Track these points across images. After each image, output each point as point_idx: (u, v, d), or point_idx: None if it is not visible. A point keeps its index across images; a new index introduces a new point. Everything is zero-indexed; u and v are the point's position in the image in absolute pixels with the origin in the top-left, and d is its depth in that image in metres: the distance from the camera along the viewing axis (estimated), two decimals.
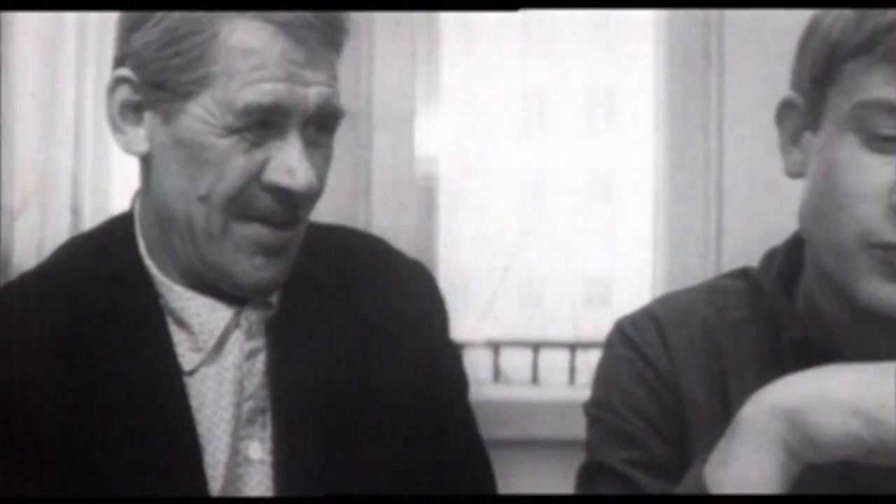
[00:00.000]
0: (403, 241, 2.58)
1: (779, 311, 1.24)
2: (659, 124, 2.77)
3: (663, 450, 1.23)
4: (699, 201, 2.70)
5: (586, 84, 3.11)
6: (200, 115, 1.23)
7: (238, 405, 1.29)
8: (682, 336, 1.27)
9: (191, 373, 1.29)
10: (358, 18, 2.72)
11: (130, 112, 1.28)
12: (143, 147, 1.28)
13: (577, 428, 1.31)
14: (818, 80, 1.18)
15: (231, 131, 1.23)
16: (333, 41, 1.27)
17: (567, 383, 3.04)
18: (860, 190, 1.14)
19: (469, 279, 2.99)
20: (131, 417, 1.26)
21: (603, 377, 1.30)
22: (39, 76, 2.66)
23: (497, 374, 3.06)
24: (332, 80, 1.27)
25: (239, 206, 1.25)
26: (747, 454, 1.06)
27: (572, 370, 3.05)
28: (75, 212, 2.67)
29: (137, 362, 1.27)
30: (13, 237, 2.58)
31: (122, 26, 1.28)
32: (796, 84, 1.22)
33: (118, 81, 1.28)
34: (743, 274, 1.31)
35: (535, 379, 3.07)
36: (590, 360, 3.00)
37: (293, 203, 1.26)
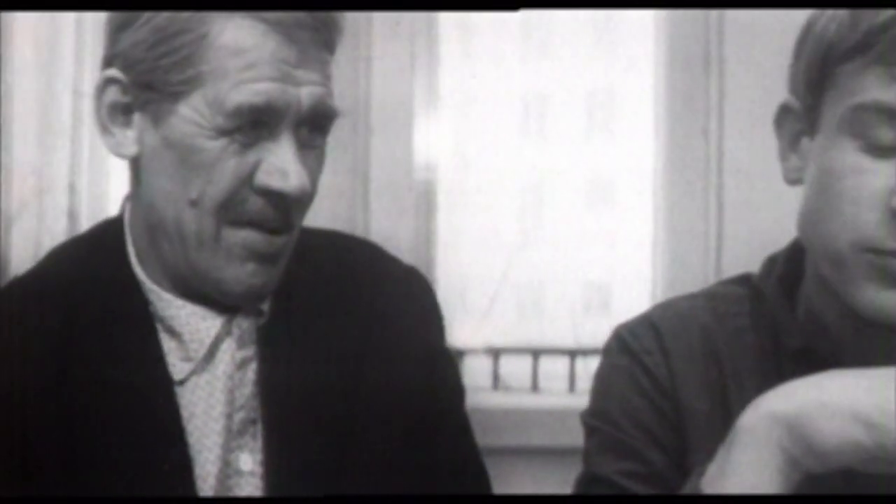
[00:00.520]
0: (402, 245, 2.58)
1: (779, 319, 1.23)
2: (659, 128, 2.77)
3: (661, 460, 1.22)
4: (699, 206, 2.69)
5: (586, 87, 3.10)
6: (190, 116, 1.21)
7: (229, 415, 1.27)
8: (681, 344, 1.25)
9: (181, 382, 1.27)
10: (356, 20, 2.71)
11: (119, 114, 1.26)
12: (133, 150, 1.26)
13: (577, 436, 1.30)
14: (814, 84, 1.17)
15: (222, 133, 1.21)
16: (326, 40, 1.25)
17: (567, 390, 3.02)
18: (857, 195, 1.12)
19: (468, 284, 2.98)
20: (122, 427, 1.25)
21: (600, 386, 1.28)
22: (36, 80, 2.65)
23: (496, 380, 3.05)
24: (326, 79, 1.25)
25: (231, 210, 1.23)
26: (746, 463, 1.05)
27: (572, 377, 3.03)
28: (72, 216, 2.67)
29: (128, 371, 1.26)
30: (10, 241, 2.58)
31: (110, 26, 1.26)
32: (793, 89, 1.21)
33: (107, 82, 1.26)
34: (743, 280, 1.29)
35: (534, 386, 3.06)
36: (589, 367, 2.98)
37: (286, 206, 1.24)
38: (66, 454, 1.24)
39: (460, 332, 2.92)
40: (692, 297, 1.31)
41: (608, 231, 3.11)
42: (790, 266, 1.26)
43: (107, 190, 2.68)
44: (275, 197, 1.23)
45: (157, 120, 1.24)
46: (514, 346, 3.08)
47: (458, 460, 1.37)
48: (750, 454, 1.04)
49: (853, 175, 1.13)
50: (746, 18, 2.62)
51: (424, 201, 2.78)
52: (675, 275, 2.70)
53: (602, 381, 1.28)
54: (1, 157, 2.53)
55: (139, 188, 1.28)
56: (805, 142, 1.19)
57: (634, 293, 2.92)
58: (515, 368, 3.07)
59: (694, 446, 1.21)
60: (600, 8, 2.86)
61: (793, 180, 1.21)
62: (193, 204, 1.23)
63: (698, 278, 2.60)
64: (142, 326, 1.27)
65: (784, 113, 1.21)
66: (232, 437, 1.27)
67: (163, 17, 1.22)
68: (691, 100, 2.70)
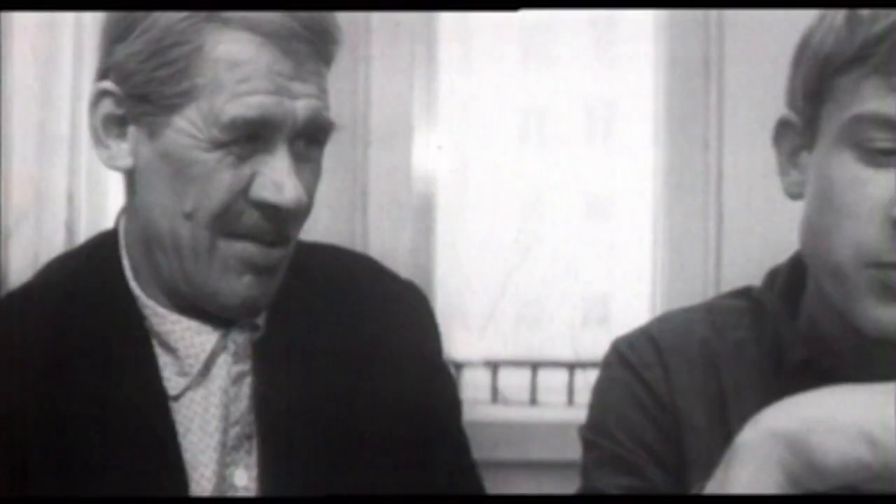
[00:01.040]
0: (400, 258, 2.57)
1: (781, 331, 1.22)
2: (658, 139, 2.76)
3: (660, 476, 1.21)
4: (699, 218, 2.68)
5: (585, 98, 3.10)
6: (186, 128, 1.21)
7: (224, 431, 1.26)
8: (681, 357, 1.24)
9: (177, 397, 1.26)
10: (355, 31, 2.71)
11: (114, 126, 1.25)
12: (127, 162, 1.25)
13: (576, 449, 1.29)
14: (812, 96, 1.16)
15: (217, 145, 1.20)
16: (322, 52, 1.24)
17: (566, 403, 3.02)
18: (857, 207, 1.12)
19: (466, 297, 2.97)
20: (117, 443, 1.24)
21: (599, 400, 1.27)
22: (35, 92, 2.65)
23: (495, 394, 3.04)
24: (322, 92, 1.24)
25: (226, 223, 1.22)
26: (746, 480, 1.03)
27: (571, 390, 3.03)
28: (70, 227, 2.67)
29: (123, 387, 1.25)
30: (8, 252, 2.57)
31: (105, 38, 1.25)
32: (792, 102, 1.20)
33: (101, 94, 1.25)
34: (744, 293, 1.29)
35: (533, 399, 3.05)
36: (589, 381, 2.96)
37: (281, 220, 1.23)
38: (62, 469, 1.23)
39: (459, 344, 2.91)
40: (691, 311, 1.30)
41: (607, 243, 3.11)
42: (792, 279, 1.25)
43: (105, 202, 2.68)
44: (270, 210, 1.22)
45: (151, 132, 1.23)
46: (512, 359, 3.07)
47: (455, 475, 1.36)
48: (749, 471, 1.03)
49: (852, 186, 1.12)
50: (747, 32, 2.62)
51: (423, 214, 2.77)
52: (674, 287, 2.69)
53: (600, 396, 1.27)
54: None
55: (134, 201, 1.27)
56: (804, 156, 1.18)
57: (634, 306, 2.92)
58: (514, 381, 3.06)
59: (693, 461, 1.20)
60: (600, 8, 2.86)
61: (794, 195, 1.20)
62: (188, 216, 1.22)
63: (698, 290, 2.59)
64: (137, 341, 1.26)
65: (783, 128, 1.20)
66: (227, 453, 1.26)
67: (158, 28, 1.21)
68: (691, 111, 2.70)
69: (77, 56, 2.67)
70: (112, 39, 1.24)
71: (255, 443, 1.27)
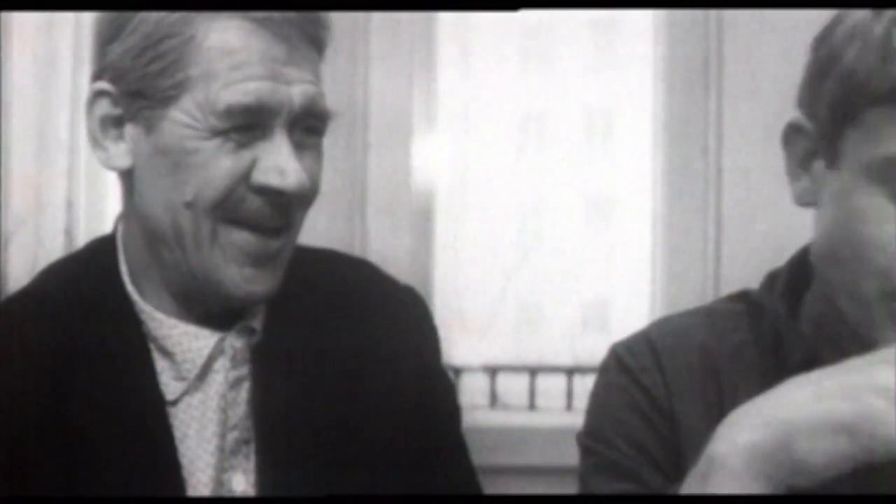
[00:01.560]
0: (400, 262, 2.57)
1: (784, 333, 1.21)
2: (658, 144, 2.76)
3: (659, 481, 1.20)
4: (698, 222, 2.68)
5: (585, 104, 3.10)
6: (182, 119, 1.20)
7: (222, 436, 1.26)
8: (679, 361, 1.23)
9: (174, 402, 1.26)
10: (354, 32, 2.70)
11: (111, 127, 1.25)
12: (126, 162, 1.25)
13: (575, 454, 1.29)
14: (837, 116, 1.14)
15: (215, 133, 1.20)
16: (314, 37, 1.24)
17: (564, 408, 3.01)
18: (884, 242, 1.10)
19: (466, 302, 2.97)
20: (115, 448, 1.23)
21: (596, 405, 1.27)
22: (34, 96, 2.65)
23: (494, 399, 3.04)
24: (316, 78, 1.24)
25: (227, 209, 1.21)
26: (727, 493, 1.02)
27: (570, 395, 3.02)
28: (69, 233, 2.67)
29: (121, 392, 1.24)
30: (7, 258, 2.57)
31: (98, 39, 1.25)
32: (808, 111, 1.17)
33: (97, 95, 1.25)
34: (742, 297, 1.28)
35: (532, 404, 3.05)
36: (587, 386, 2.96)
37: (285, 205, 1.23)
38: (60, 474, 1.23)
39: (458, 349, 2.91)
40: (690, 314, 1.29)
41: (607, 248, 3.11)
42: (793, 282, 1.24)
43: (104, 207, 2.68)
44: (273, 195, 1.22)
45: (149, 128, 1.23)
46: (511, 364, 3.07)
47: (454, 480, 1.36)
48: (730, 487, 1.02)
49: (880, 222, 1.10)
50: (746, 30, 2.62)
51: (422, 217, 2.77)
52: (673, 292, 2.69)
53: (598, 400, 1.27)
54: None
55: (133, 200, 1.27)
56: (819, 165, 1.16)
57: (633, 311, 2.91)
58: (513, 386, 3.06)
59: (691, 466, 1.19)
60: (600, 8, 2.86)
61: (805, 203, 1.18)
62: (188, 205, 1.21)
63: (697, 295, 2.59)
64: (135, 346, 1.26)
65: (793, 132, 1.18)
66: (225, 458, 1.26)
67: (149, 23, 1.21)
68: (690, 116, 2.69)
69: (77, 59, 2.67)
70: (105, 40, 1.24)
71: (253, 448, 1.27)
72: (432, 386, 1.36)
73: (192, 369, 1.26)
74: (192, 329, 1.26)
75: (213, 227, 1.22)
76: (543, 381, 3.07)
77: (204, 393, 1.26)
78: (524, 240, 3.06)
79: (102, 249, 1.30)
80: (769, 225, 2.49)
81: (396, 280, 1.41)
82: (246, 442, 1.27)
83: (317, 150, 1.26)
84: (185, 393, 1.26)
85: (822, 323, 1.20)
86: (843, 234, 1.13)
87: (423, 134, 2.79)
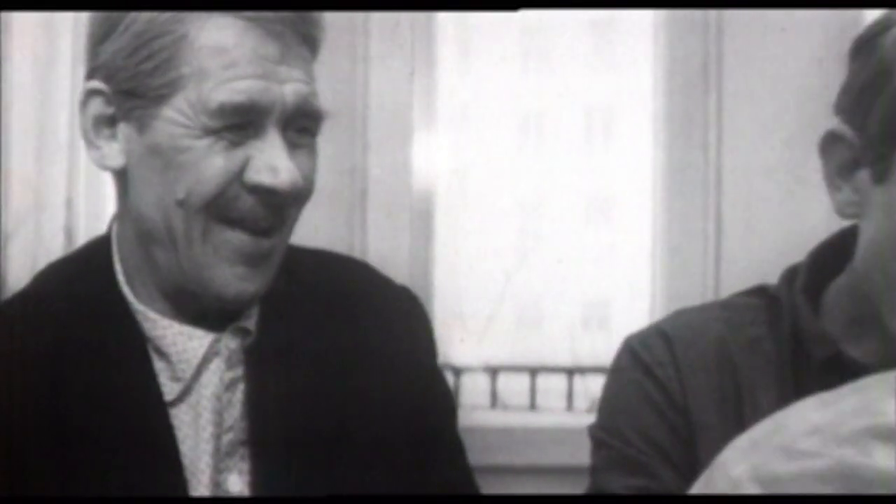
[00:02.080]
0: (399, 263, 2.57)
1: (804, 328, 1.20)
2: (658, 143, 2.76)
3: (672, 477, 1.19)
4: (698, 221, 2.68)
5: (585, 102, 3.09)
6: (175, 118, 1.20)
7: (218, 437, 1.25)
8: (695, 355, 1.22)
9: (172, 403, 1.26)
10: (353, 32, 2.70)
11: (104, 126, 1.25)
12: (119, 161, 1.25)
13: (576, 454, 1.28)
14: (889, 132, 1.12)
15: (208, 132, 1.20)
16: (308, 36, 1.24)
17: (565, 408, 3.01)
18: None
19: (466, 302, 2.96)
20: (116, 449, 1.23)
21: (610, 398, 1.26)
22: (33, 97, 2.65)
23: (494, 399, 3.03)
24: (309, 77, 1.24)
25: (220, 208, 1.21)
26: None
27: (570, 395, 3.02)
28: (69, 232, 2.66)
29: (121, 393, 1.24)
30: (7, 257, 2.57)
31: (91, 39, 1.25)
32: (850, 117, 1.16)
33: (90, 94, 1.25)
34: (759, 291, 1.27)
35: (532, 404, 3.05)
36: (588, 385, 2.97)
37: (278, 204, 1.22)
38: (61, 475, 1.23)
39: (458, 349, 2.90)
40: (705, 308, 1.28)
41: (607, 247, 3.10)
42: (813, 277, 1.23)
43: (104, 206, 2.67)
44: (266, 194, 1.21)
45: (141, 127, 1.22)
46: (511, 364, 3.06)
47: (450, 480, 1.35)
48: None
49: None
50: (745, 30, 2.61)
51: (422, 216, 2.76)
52: (674, 291, 2.68)
53: (611, 394, 1.26)
54: None
55: (126, 200, 1.27)
56: (863, 176, 1.15)
57: (633, 310, 2.91)
58: (513, 386, 3.05)
59: (706, 461, 1.18)
60: (600, 8, 2.85)
61: (848, 215, 1.17)
62: (181, 203, 1.21)
63: (697, 294, 2.59)
64: (132, 347, 1.26)
65: (833, 140, 1.16)
66: (221, 459, 1.26)
67: (141, 22, 1.21)
68: (690, 115, 2.69)
69: (76, 58, 2.66)
70: (97, 39, 1.24)
71: (248, 449, 1.26)
72: (428, 386, 1.36)
73: (188, 370, 1.26)
74: (187, 329, 1.26)
75: (205, 226, 1.22)
76: (544, 381, 3.06)
77: (199, 394, 1.26)
78: (524, 239, 3.06)
79: (98, 250, 1.30)
80: (769, 224, 2.49)
81: (392, 280, 1.40)
82: (241, 443, 1.26)
83: (310, 150, 1.25)
84: (182, 394, 1.26)
85: (851, 321, 1.19)
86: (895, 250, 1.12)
87: (423, 133, 2.78)
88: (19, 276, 2.50)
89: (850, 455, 0.92)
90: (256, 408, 1.26)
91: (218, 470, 1.25)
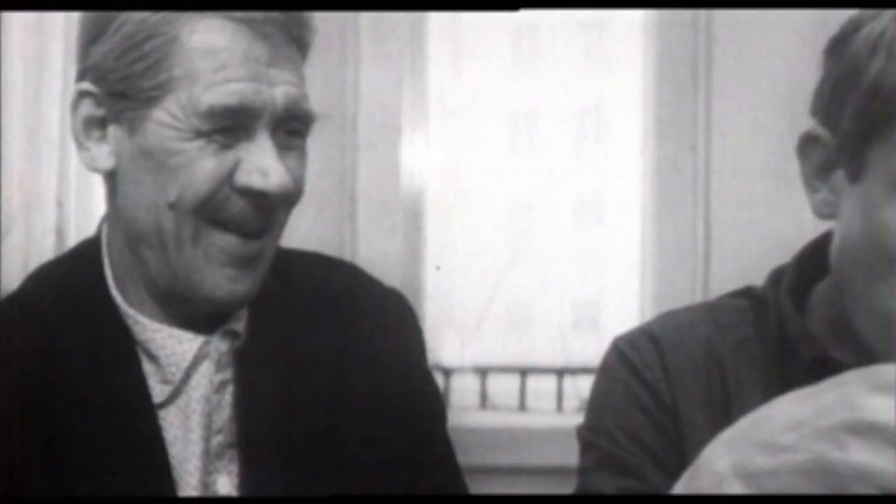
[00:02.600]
0: (390, 264, 2.57)
1: (791, 329, 1.20)
2: (647, 145, 2.76)
3: (660, 478, 1.19)
4: (688, 223, 2.68)
5: (575, 104, 3.10)
6: (165, 120, 1.20)
7: (207, 439, 1.26)
8: (682, 356, 1.22)
9: (162, 405, 1.26)
10: (344, 32, 2.70)
11: (94, 128, 1.25)
12: (109, 163, 1.25)
13: (565, 455, 1.29)
14: (861, 130, 1.12)
15: (198, 134, 1.20)
16: (298, 38, 1.24)
17: (555, 409, 3.01)
18: None
19: (456, 303, 2.97)
20: (105, 451, 1.23)
21: (598, 399, 1.26)
22: (25, 97, 2.65)
23: (484, 400, 3.04)
24: (300, 79, 1.24)
25: (210, 210, 1.21)
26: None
27: (560, 396, 3.02)
28: (60, 232, 2.66)
29: (110, 395, 1.24)
30: None
31: (81, 40, 1.25)
32: (825, 118, 1.16)
33: (80, 96, 1.25)
34: (746, 293, 1.27)
35: (522, 405, 3.05)
36: (578, 386, 2.98)
37: (268, 206, 1.22)
38: (51, 478, 1.23)
39: (448, 350, 2.91)
40: (693, 309, 1.28)
41: (597, 248, 3.11)
42: (799, 278, 1.23)
43: (95, 206, 2.67)
44: (256, 196, 1.22)
45: (132, 129, 1.22)
46: (501, 365, 3.07)
47: (439, 482, 1.35)
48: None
49: None
50: (735, 30, 2.62)
51: (412, 217, 2.77)
52: (663, 292, 2.69)
53: (599, 395, 1.26)
54: None
55: (116, 202, 1.27)
56: (839, 176, 1.15)
57: (623, 311, 2.91)
58: (503, 387, 3.06)
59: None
60: (599, 8, 2.86)
61: (824, 215, 1.17)
62: (172, 206, 1.21)
63: (687, 294, 2.59)
64: (122, 350, 1.26)
65: (810, 142, 1.16)
66: (210, 461, 1.26)
67: (131, 24, 1.21)
68: (679, 117, 2.69)
69: (68, 58, 2.66)
70: (88, 40, 1.24)
71: (237, 451, 1.27)
72: (417, 388, 1.36)
73: (177, 372, 1.26)
74: (176, 332, 1.26)
75: (196, 228, 1.22)
76: (534, 382, 3.07)
77: (189, 396, 1.26)
78: (514, 240, 3.06)
79: (88, 252, 1.30)
80: (758, 224, 2.49)
81: (381, 282, 1.40)
82: (230, 445, 1.26)
83: (300, 152, 1.26)
84: (171, 396, 1.26)
85: (834, 322, 1.20)
86: (871, 250, 1.12)
87: (414, 134, 2.78)
88: (10, 275, 2.49)
89: (828, 449, 0.92)
90: (246, 410, 1.26)
91: (207, 472, 1.25)
